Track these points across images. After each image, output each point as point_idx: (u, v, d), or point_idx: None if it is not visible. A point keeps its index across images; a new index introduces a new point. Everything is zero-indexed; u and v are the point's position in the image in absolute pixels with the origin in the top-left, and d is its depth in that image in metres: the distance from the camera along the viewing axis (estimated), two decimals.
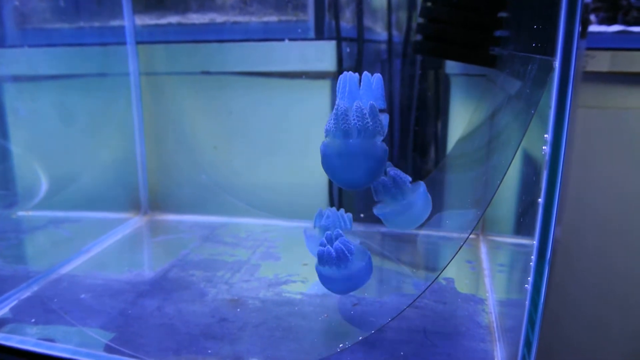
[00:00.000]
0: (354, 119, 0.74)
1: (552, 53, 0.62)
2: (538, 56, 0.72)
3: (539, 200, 0.63)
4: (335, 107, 0.74)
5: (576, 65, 0.58)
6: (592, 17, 1.68)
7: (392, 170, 0.85)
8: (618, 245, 1.50)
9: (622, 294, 1.52)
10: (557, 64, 0.60)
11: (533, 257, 0.66)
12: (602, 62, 1.45)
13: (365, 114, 0.74)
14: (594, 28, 1.62)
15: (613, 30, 1.60)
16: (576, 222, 1.51)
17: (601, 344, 1.57)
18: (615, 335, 1.55)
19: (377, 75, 0.79)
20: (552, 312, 1.55)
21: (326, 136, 0.76)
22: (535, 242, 0.65)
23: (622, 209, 1.49)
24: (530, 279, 0.67)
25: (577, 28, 0.59)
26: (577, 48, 0.57)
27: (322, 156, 0.78)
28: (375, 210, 0.87)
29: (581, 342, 1.58)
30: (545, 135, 0.62)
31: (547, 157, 0.62)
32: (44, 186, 1.42)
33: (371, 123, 0.74)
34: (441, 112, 1.42)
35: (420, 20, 1.28)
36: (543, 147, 0.62)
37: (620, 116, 1.47)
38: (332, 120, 0.75)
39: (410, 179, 0.86)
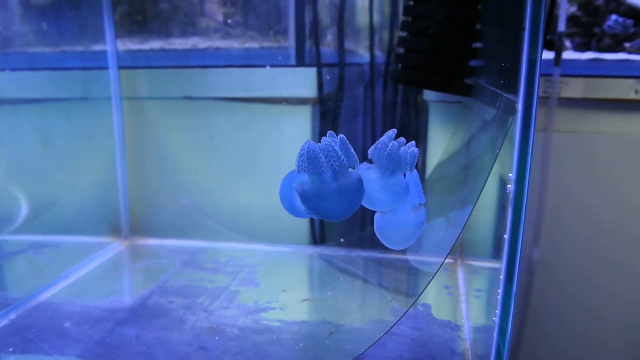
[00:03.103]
0: (329, 160, 0.72)
1: (516, 92, 0.64)
2: (505, 94, 0.74)
3: (505, 236, 0.65)
4: (307, 147, 0.70)
5: (537, 107, 0.61)
6: (568, 43, 1.73)
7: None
8: (594, 261, 1.56)
9: (600, 306, 1.58)
10: (519, 106, 0.62)
11: (500, 291, 0.68)
12: (576, 88, 1.50)
13: (337, 151, 0.72)
14: (568, 55, 1.66)
15: (586, 58, 1.65)
16: (554, 240, 1.55)
17: (584, 353, 1.62)
18: (596, 345, 1.60)
19: (341, 136, 0.75)
20: (537, 324, 1.60)
21: (298, 170, 0.74)
22: (502, 276, 0.67)
23: (595, 227, 1.54)
24: (497, 311, 0.69)
25: (538, 72, 0.62)
26: (537, 94, 0.60)
27: (299, 195, 0.75)
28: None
29: (565, 352, 1.63)
30: (509, 174, 0.64)
31: (511, 196, 0.64)
32: (23, 210, 1.41)
33: (345, 159, 0.74)
34: (420, 137, 1.45)
35: (398, 50, 1.31)
36: (508, 186, 0.64)
37: (593, 140, 1.52)
38: (306, 162, 0.71)
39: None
